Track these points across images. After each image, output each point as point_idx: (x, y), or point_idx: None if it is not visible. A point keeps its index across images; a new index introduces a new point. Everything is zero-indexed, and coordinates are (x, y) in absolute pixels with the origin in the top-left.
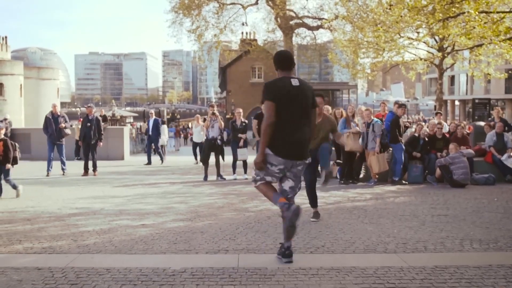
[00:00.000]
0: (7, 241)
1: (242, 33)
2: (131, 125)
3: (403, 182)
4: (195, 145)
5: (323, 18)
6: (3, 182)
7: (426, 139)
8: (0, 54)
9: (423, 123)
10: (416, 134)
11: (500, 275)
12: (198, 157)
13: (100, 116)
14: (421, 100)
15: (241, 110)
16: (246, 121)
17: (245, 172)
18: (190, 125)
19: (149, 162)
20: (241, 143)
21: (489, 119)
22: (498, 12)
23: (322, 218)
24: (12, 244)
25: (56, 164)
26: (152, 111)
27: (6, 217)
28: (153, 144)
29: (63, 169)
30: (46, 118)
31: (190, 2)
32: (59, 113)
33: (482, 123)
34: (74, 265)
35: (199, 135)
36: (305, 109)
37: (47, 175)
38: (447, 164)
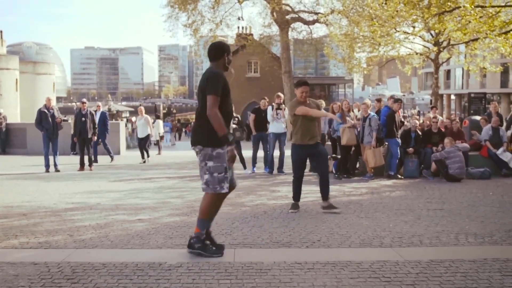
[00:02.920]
0: (3, 236)
1: (238, 27)
2: (127, 120)
3: (399, 176)
4: (141, 141)
5: (319, 13)
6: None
7: (419, 132)
8: None
9: (417, 116)
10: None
11: (495, 269)
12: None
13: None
14: (417, 94)
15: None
16: (239, 116)
17: (244, 168)
18: (134, 119)
19: (95, 160)
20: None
21: (485, 113)
22: (493, 6)
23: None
24: (8, 239)
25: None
26: (99, 103)
27: (2, 212)
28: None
29: (56, 166)
30: (41, 112)
31: None
32: (52, 107)
33: (478, 117)
34: (70, 260)
35: (143, 129)
36: (198, 98)
37: (47, 171)
38: (442, 159)
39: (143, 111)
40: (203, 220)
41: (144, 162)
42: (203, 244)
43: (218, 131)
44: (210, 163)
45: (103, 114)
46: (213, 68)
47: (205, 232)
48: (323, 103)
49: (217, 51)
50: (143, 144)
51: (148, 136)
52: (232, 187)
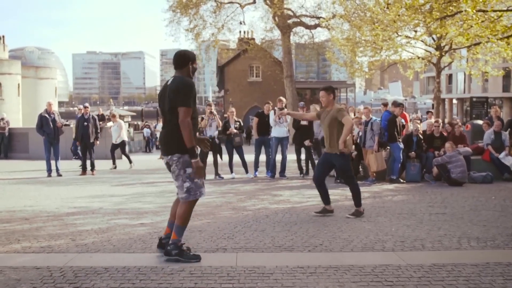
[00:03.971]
0: (6, 240)
1: (240, 32)
2: (129, 124)
3: (401, 180)
4: (114, 147)
5: (320, 17)
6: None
7: (420, 135)
8: None
9: (419, 121)
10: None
11: (498, 273)
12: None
13: (98, 115)
14: (419, 98)
15: (233, 110)
16: (240, 120)
17: (246, 172)
18: (109, 124)
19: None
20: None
21: (486, 118)
22: (495, 11)
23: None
24: (10, 243)
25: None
26: (81, 106)
27: (5, 216)
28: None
29: (58, 170)
30: (42, 117)
31: (188, 1)
32: (53, 112)
33: (480, 122)
34: (72, 264)
35: (115, 135)
36: (164, 108)
37: (49, 176)
38: (444, 163)
39: (117, 116)
40: (182, 227)
41: (115, 167)
42: (180, 250)
43: (188, 142)
44: (189, 170)
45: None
46: (183, 78)
47: (182, 238)
48: (316, 108)
49: (182, 59)
50: (114, 149)
51: (123, 142)
52: None
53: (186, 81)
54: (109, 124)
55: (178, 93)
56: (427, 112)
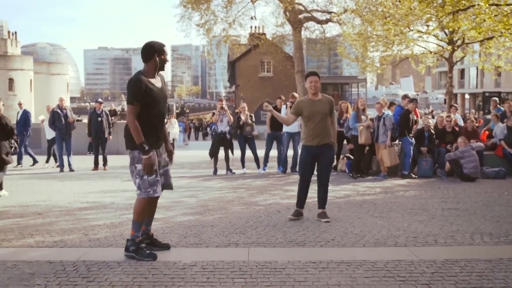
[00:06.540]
0: (19, 235)
1: (251, 27)
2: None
3: (413, 176)
4: (49, 143)
5: (332, 12)
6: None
7: (432, 131)
8: (10, 50)
9: (429, 117)
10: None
11: (511, 269)
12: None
13: (110, 110)
14: (430, 93)
15: (245, 105)
16: (252, 116)
17: (258, 167)
18: (41, 118)
19: (19, 163)
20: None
21: (500, 113)
22: (508, 5)
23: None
24: (24, 238)
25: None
26: (21, 101)
27: (18, 211)
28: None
29: (70, 165)
30: (54, 112)
31: None
32: (65, 107)
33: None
34: (85, 258)
35: (50, 130)
36: None
37: (61, 171)
38: (457, 158)
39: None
40: (136, 222)
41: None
42: (137, 247)
43: (135, 139)
44: (139, 166)
45: (25, 112)
46: (134, 75)
47: (140, 234)
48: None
49: (147, 52)
50: (50, 146)
51: (53, 139)
52: (168, 188)
53: (133, 78)
54: (41, 117)
55: (127, 91)
56: (451, 106)
